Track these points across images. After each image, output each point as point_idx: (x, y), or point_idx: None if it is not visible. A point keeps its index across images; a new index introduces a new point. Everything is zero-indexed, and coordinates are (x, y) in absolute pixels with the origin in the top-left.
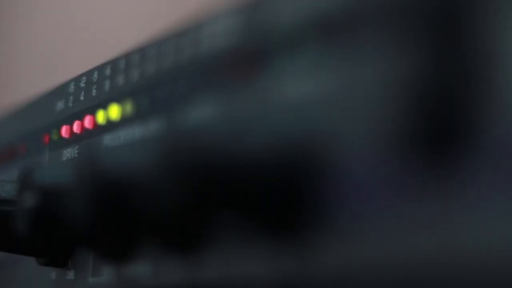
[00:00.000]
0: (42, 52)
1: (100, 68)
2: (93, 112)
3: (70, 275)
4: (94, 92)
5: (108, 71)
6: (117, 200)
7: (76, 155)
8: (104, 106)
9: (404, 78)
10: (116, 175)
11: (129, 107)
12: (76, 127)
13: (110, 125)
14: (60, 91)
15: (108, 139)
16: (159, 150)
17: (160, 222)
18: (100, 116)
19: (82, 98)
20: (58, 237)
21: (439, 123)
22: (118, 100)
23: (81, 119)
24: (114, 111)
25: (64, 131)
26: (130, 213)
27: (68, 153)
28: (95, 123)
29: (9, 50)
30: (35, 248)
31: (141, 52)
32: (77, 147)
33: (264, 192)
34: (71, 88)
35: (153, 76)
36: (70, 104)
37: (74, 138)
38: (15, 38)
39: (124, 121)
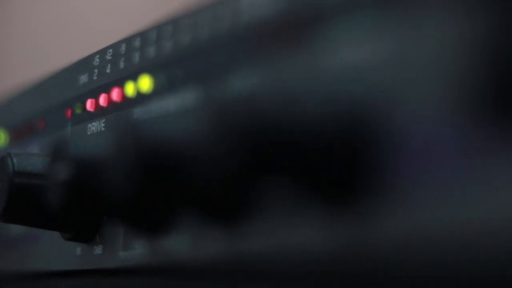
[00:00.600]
0: (36, 39)
1: (129, 40)
2: (121, 85)
3: (98, 250)
4: (122, 65)
5: (137, 43)
6: (155, 172)
7: (102, 129)
8: (134, 78)
9: (468, 39)
10: (152, 146)
11: (161, 79)
12: (102, 100)
13: (141, 98)
14: (83, 65)
15: (138, 112)
16: (204, 121)
17: (201, 192)
18: (130, 89)
19: (108, 71)
20: (89, 211)
21: (504, 86)
22: (150, 71)
23: (108, 92)
24: (145, 83)
25: (89, 104)
26: (167, 184)
27: (94, 126)
28: (123, 96)
29: (3, 38)
30: (63, 223)
31: (175, 23)
32: (103, 120)
33: (318, 158)
34: (96, 61)
35: (188, 46)
36: (95, 77)
37: (100, 111)
38: (9, 26)
39: (156, 93)
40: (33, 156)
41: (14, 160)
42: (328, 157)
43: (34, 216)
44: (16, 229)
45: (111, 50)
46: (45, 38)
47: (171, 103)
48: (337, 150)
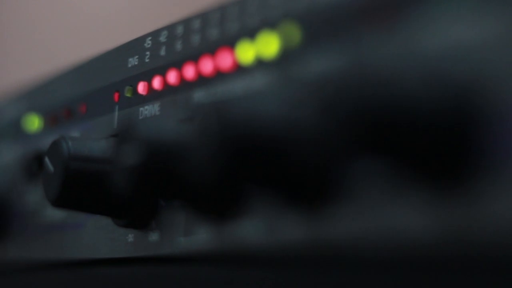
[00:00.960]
0: (36, 36)
1: (187, 21)
2: (179, 67)
3: (154, 236)
4: (179, 47)
5: (197, 25)
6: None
7: (157, 112)
8: (195, 59)
9: None
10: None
11: (228, 60)
12: (157, 83)
13: (203, 80)
14: (132, 47)
15: (199, 96)
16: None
17: (280, 173)
18: (190, 71)
19: (163, 53)
20: (150, 196)
21: None
22: (212, 53)
23: (163, 74)
24: (208, 66)
25: (141, 87)
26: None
27: (147, 110)
28: (182, 79)
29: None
30: (119, 209)
31: (242, 3)
32: (158, 104)
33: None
34: (147, 43)
35: (256, 26)
36: (147, 60)
37: (154, 94)
38: (9, 21)
39: (220, 75)
40: (88, 140)
41: (70, 143)
42: (429, 137)
43: (89, 202)
44: (56, 215)
45: (165, 32)
46: (45, 36)
47: (236, 85)
48: (438, 131)
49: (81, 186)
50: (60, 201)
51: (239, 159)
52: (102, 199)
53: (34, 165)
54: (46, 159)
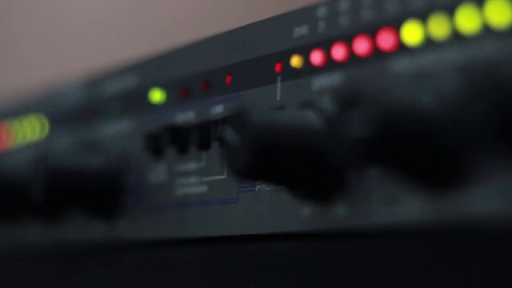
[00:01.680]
0: (40, 37)
1: None
2: (372, 35)
3: (340, 210)
4: (364, 15)
5: None
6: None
7: (340, 84)
8: (397, 26)
9: None
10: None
11: (441, 27)
12: (338, 53)
13: (404, 50)
14: (300, 16)
15: (398, 66)
16: None
17: None
18: (385, 39)
19: (344, 22)
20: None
21: None
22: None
23: (349, 43)
24: (412, 34)
25: (316, 57)
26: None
27: (322, 82)
28: (374, 47)
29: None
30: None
31: None
32: (338, 74)
33: None
34: (321, 12)
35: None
36: (321, 30)
37: (332, 65)
38: (15, 24)
39: (425, 46)
40: (275, 111)
41: (258, 114)
42: None
43: (277, 173)
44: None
45: (345, 2)
46: (50, 37)
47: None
48: None
49: (267, 158)
50: (247, 172)
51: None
52: (290, 170)
53: (163, 138)
54: (228, 129)
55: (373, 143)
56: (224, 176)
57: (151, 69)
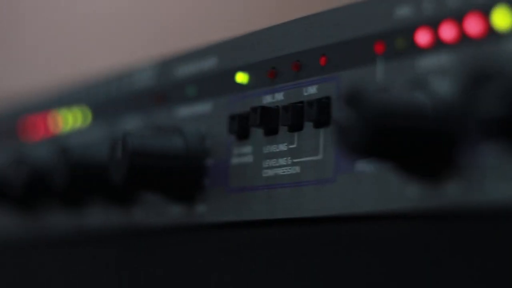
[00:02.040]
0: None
1: None
2: (486, 13)
3: (451, 188)
4: None
5: None
6: None
7: (450, 66)
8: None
9: None
10: None
11: None
12: (448, 33)
13: None
14: None
15: None
16: None
17: None
18: (500, 20)
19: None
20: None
21: None
22: None
23: (460, 22)
24: None
25: (422, 37)
26: None
27: (428, 63)
28: (489, 27)
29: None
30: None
31: None
32: (452, 55)
33: None
34: None
35: None
36: (428, 10)
37: (440, 46)
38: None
39: None
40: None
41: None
42: None
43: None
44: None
45: None
46: (54, 38)
47: None
48: None
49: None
50: (364, 149)
51: None
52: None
53: (250, 119)
54: (343, 108)
55: (508, 120)
56: (319, 157)
57: (234, 51)
